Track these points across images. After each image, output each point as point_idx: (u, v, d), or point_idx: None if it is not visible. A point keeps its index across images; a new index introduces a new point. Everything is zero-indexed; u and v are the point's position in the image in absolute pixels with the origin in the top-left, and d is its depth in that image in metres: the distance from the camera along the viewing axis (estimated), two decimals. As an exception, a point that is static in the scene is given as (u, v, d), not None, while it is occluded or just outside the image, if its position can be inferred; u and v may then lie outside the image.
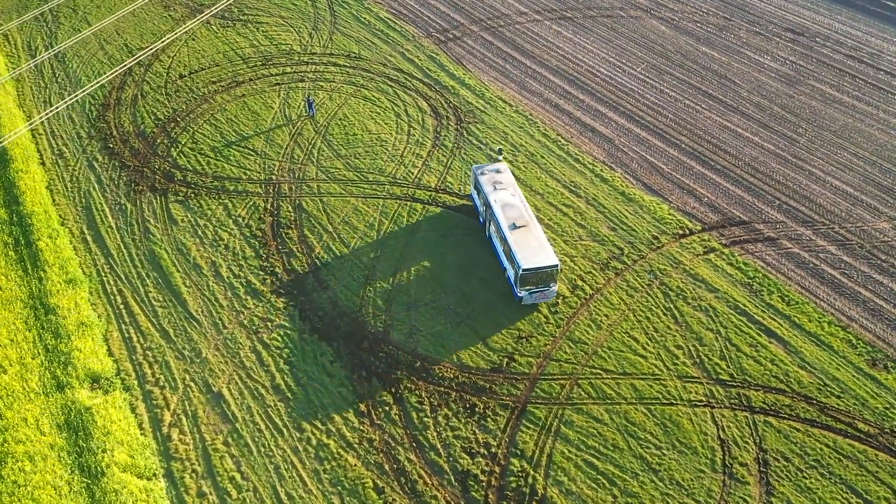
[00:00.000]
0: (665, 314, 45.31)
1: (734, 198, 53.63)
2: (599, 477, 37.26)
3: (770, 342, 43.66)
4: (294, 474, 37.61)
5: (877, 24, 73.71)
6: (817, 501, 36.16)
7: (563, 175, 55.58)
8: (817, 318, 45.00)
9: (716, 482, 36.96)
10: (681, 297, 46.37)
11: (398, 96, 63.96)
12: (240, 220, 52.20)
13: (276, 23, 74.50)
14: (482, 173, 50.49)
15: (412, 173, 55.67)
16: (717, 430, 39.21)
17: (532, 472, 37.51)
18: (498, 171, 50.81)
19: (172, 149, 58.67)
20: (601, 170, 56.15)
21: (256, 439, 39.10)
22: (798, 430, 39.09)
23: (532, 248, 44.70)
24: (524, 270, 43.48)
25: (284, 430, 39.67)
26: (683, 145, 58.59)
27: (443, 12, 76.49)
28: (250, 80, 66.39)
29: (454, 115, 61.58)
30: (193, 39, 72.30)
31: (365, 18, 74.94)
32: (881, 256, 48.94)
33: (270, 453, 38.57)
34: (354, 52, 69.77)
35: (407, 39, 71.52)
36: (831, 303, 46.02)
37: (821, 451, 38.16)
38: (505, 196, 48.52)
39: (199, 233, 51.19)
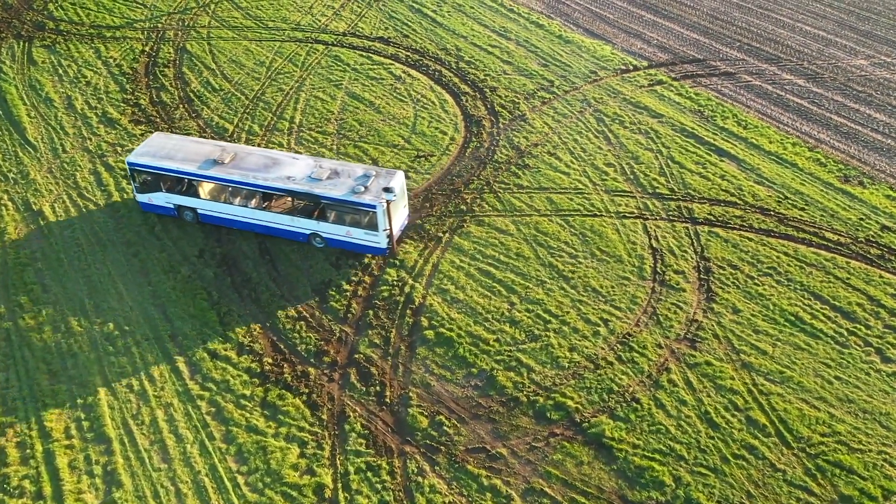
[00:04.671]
0: (597, 137, 37.55)
1: (688, 40, 46.06)
2: (495, 285, 29.26)
3: (721, 160, 35.87)
4: (111, 287, 29.70)
5: None
6: (771, 307, 28.06)
7: (493, 22, 48.05)
8: (779, 139, 37.25)
9: (643, 289, 28.94)
10: (617, 121, 38.62)
11: (317, -39, 56.52)
12: (110, 61, 44.59)
13: None
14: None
15: (319, 21, 48.11)
16: (649, 239, 31.23)
17: (411, 282, 29.45)
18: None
19: (51, 4, 51.12)
20: (537, 18, 48.63)
21: (72, 254, 31.14)
22: (750, 239, 31.16)
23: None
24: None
25: (109, 245, 31.73)
26: (634, -2, 51.13)
27: None
28: (155, -51, 58.92)
29: (377, -25, 54.06)
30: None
31: None
32: (857, 88, 41.27)
33: (86, 267, 30.57)
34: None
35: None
36: (797, 127, 38.32)
37: (777, 259, 30.20)
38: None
39: (60, 72, 43.52)
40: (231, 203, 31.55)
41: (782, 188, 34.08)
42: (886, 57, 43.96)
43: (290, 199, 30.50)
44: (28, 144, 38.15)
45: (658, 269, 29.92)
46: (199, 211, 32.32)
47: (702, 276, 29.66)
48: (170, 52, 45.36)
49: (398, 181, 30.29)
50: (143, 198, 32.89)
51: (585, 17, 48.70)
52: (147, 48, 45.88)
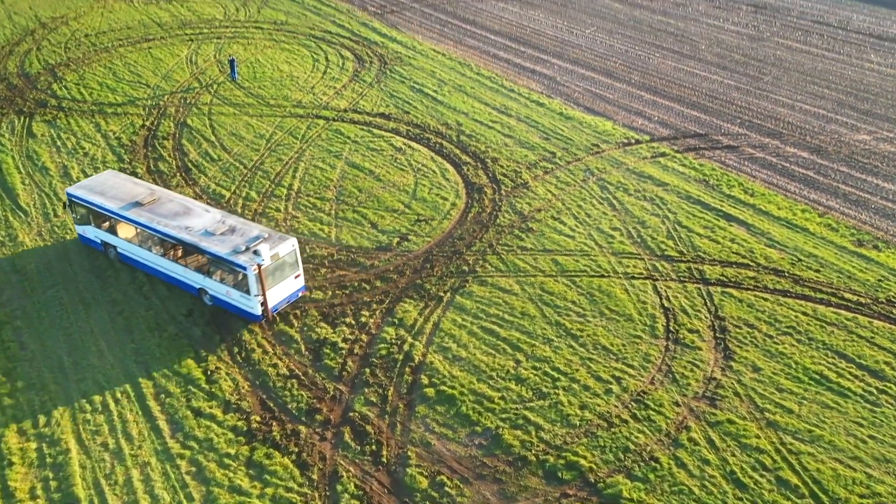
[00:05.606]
0: (601, 203, 36.77)
1: (689, 117, 46.11)
2: (500, 343, 27.66)
3: (730, 225, 34.90)
4: (92, 345, 28.09)
5: (843, 1, 68.69)
6: (793, 366, 26.37)
7: (494, 100, 48.28)
8: (788, 206, 36.45)
9: (656, 348, 27.32)
10: (621, 189, 37.96)
11: (320, 48, 57.64)
12: (110, 134, 44.42)
13: (204, 1, 69.35)
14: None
15: (321, 100, 48.34)
16: (660, 299, 29.84)
17: (411, 340, 27.86)
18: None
19: (55, 84, 51.56)
20: (537, 97, 48.90)
21: (53, 312, 29.72)
22: (766, 299, 29.77)
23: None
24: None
25: (93, 304, 30.34)
26: (633, 81, 51.63)
27: (383, -6, 71.67)
28: (161, 38, 60.23)
29: (378, 60, 54.94)
30: (110, 12, 66.80)
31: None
32: (861, 160, 40.88)
33: (67, 326, 29.05)
34: (281, 20, 64.10)
35: (340, 12, 66.10)
36: (805, 195, 37.60)
37: (796, 318, 28.73)
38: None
39: (58, 144, 43.24)
40: (141, 246, 31.10)
41: (795, 251, 32.96)
42: (889, 133, 43.82)
43: (184, 249, 29.70)
44: (19, 209, 37.28)
45: (671, 328, 28.37)
46: (118, 249, 32.35)
47: (717, 334, 28.08)
48: (170, 126, 45.20)
49: (285, 248, 28.71)
50: (79, 229, 33.57)
51: (585, 97, 48.91)
52: (147, 123, 45.75)
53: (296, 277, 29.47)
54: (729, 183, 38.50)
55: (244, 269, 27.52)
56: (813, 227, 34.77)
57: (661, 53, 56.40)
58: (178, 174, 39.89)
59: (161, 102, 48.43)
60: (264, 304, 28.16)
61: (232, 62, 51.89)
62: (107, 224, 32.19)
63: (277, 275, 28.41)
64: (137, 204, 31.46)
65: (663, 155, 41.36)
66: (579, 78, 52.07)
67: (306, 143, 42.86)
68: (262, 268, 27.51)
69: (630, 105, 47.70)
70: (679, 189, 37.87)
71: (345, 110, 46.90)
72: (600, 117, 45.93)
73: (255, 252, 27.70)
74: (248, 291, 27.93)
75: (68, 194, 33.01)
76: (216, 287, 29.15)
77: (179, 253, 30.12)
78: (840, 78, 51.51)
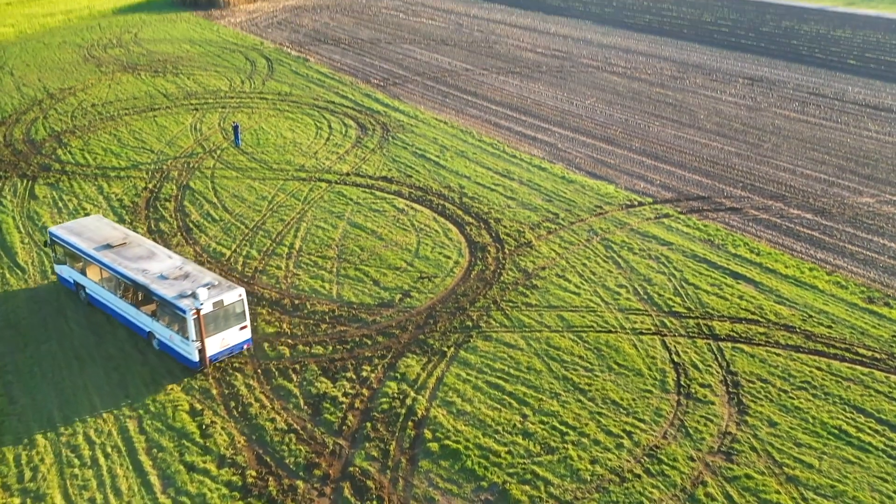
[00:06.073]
0: (606, 261, 36.38)
1: (691, 181, 46.23)
2: (506, 398, 26.80)
3: (738, 282, 34.41)
4: (84, 399, 27.27)
5: (836, 74, 70.03)
6: (810, 420, 25.49)
7: (496, 165, 48.52)
8: (795, 265, 36.06)
9: (667, 402, 26.44)
10: (626, 248, 37.64)
11: (323, 117, 58.38)
12: (112, 196, 44.43)
13: (209, 74, 70.74)
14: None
15: (324, 164, 48.58)
16: (670, 354, 29.10)
17: (413, 394, 27.00)
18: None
19: (60, 150, 51.95)
20: (539, 162, 49.17)
21: (46, 367, 28.94)
22: (778, 354, 29.06)
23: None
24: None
25: (87, 359, 29.60)
26: (634, 147, 52.04)
27: (386, 68, 73.14)
28: (167, 107, 61.08)
29: (381, 128, 55.54)
30: (118, 84, 67.99)
31: (304, 72, 71.32)
32: (867, 221, 40.75)
33: (60, 381, 28.25)
34: (286, 92, 65.19)
35: (344, 84, 67.28)
36: (811, 254, 37.27)
37: (810, 373, 27.94)
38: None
39: (60, 205, 43.19)
40: (105, 287, 31.50)
41: (805, 308, 32.36)
42: (892, 196, 43.82)
43: (138, 291, 29.68)
44: (17, 267, 36.85)
45: (682, 383, 27.51)
46: (86, 290, 32.69)
47: (730, 389, 27.22)
48: (172, 189, 45.22)
49: (231, 297, 28.38)
50: (57, 268, 34.32)
51: (587, 162, 49.14)
52: (150, 185, 45.80)
53: (241, 328, 29.01)
54: (734, 242, 38.18)
55: (184, 312, 27.32)
56: (822, 285, 34.25)
57: (661, 122, 57.02)
58: (179, 234, 39.60)
59: (164, 167, 48.61)
60: (202, 350, 27.75)
61: (236, 128, 52.37)
62: (80, 265, 32.64)
63: (220, 323, 28.05)
64: (107, 246, 32.01)
65: (667, 216, 41.19)
66: (580, 145, 52.45)
67: (308, 205, 42.75)
68: (202, 313, 27.21)
69: (632, 169, 47.85)
70: (684, 248, 37.51)
71: (347, 174, 47.02)
72: (602, 181, 45.99)
73: (194, 296, 27.47)
74: (186, 336, 27.62)
75: (49, 233, 33.89)
76: (162, 331, 29.07)
77: (139, 296, 30.11)
78: (839, 145, 51.89)
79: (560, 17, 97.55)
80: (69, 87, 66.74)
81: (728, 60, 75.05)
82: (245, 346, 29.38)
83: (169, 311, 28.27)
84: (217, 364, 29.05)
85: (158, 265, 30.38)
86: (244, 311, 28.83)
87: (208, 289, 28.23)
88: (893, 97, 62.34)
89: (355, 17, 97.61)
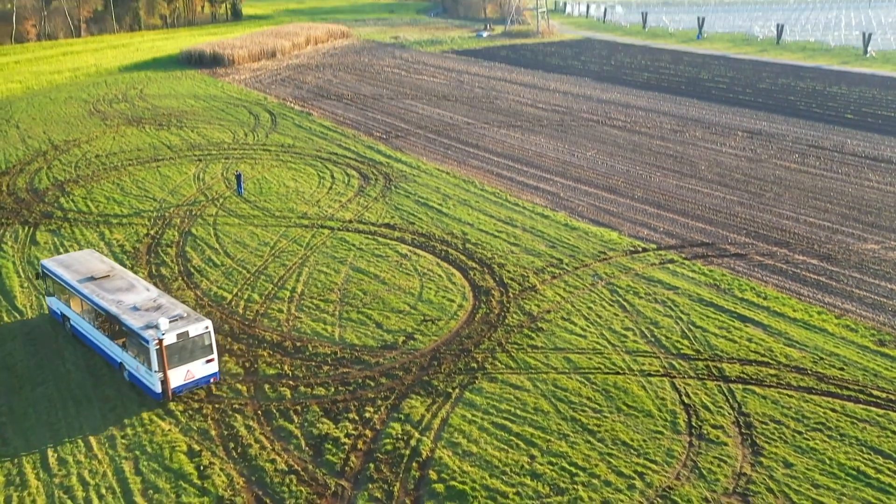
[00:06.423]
0: (611, 305, 36.01)
1: (695, 228, 46.13)
2: (513, 438, 26.12)
3: (746, 325, 33.97)
4: (80, 440, 26.56)
5: (834, 128, 70.72)
6: (827, 461, 24.78)
7: (498, 213, 48.50)
8: (803, 308, 35.67)
9: (679, 443, 25.75)
10: (631, 292, 37.29)
11: (326, 167, 58.71)
12: (113, 242, 44.25)
13: (213, 127, 71.43)
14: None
15: (326, 212, 48.57)
16: (680, 396, 28.49)
17: (418, 435, 26.32)
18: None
19: (62, 198, 52.04)
20: (542, 210, 49.18)
21: (41, 408, 28.30)
22: (791, 396, 28.43)
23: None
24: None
25: (84, 401, 28.98)
26: (637, 196, 52.15)
27: (388, 122, 73.93)
28: (170, 158, 61.46)
29: (383, 178, 55.78)
30: (122, 136, 68.57)
31: (307, 125, 72.06)
32: (873, 266, 40.47)
33: (55, 422, 27.60)
34: (289, 144, 65.71)
35: (347, 137, 67.89)
36: (819, 299, 36.91)
37: (824, 415, 27.34)
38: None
39: (61, 251, 42.91)
40: (85, 318, 31.72)
41: (816, 350, 31.83)
42: (896, 242, 43.63)
43: (112, 322, 29.65)
44: (15, 310, 36.45)
45: (693, 424, 26.83)
46: (70, 321, 33.08)
47: (743, 430, 26.52)
48: (174, 235, 45.08)
49: (197, 329, 28.35)
50: (48, 300, 34.96)
51: (590, 210, 49.13)
52: (152, 232, 45.66)
53: (207, 361, 28.78)
54: (740, 287, 37.83)
55: (147, 342, 27.30)
56: (831, 328, 33.77)
57: (662, 173, 57.26)
58: (180, 278, 39.27)
59: (166, 214, 48.57)
60: (164, 381, 27.52)
61: (238, 177, 52.53)
62: (66, 296, 33.00)
63: (184, 354, 27.93)
64: (90, 278, 32.32)
65: (671, 262, 40.93)
66: (582, 194, 52.55)
67: (311, 250, 42.53)
68: (164, 343, 27.13)
69: (635, 217, 47.80)
70: (690, 292, 37.15)
71: (350, 221, 46.93)
72: (606, 228, 45.88)
73: (156, 326, 27.50)
74: (150, 367, 27.51)
75: (41, 265, 34.60)
76: (130, 361, 29.05)
77: (114, 328, 29.97)
78: (841, 194, 51.97)
79: (559, 74, 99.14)
80: (74, 140, 67.26)
81: (726, 115, 75.90)
82: (212, 380, 29.16)
83: (136, 342, 28.35)
84: (216, 406, 28.37)
85: (133, 297, 30.62)
86: (211, 344, 28.78)
87: (171, 320, 28.24)
88: (892, 149, 62.77)
89: (358, 75, 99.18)
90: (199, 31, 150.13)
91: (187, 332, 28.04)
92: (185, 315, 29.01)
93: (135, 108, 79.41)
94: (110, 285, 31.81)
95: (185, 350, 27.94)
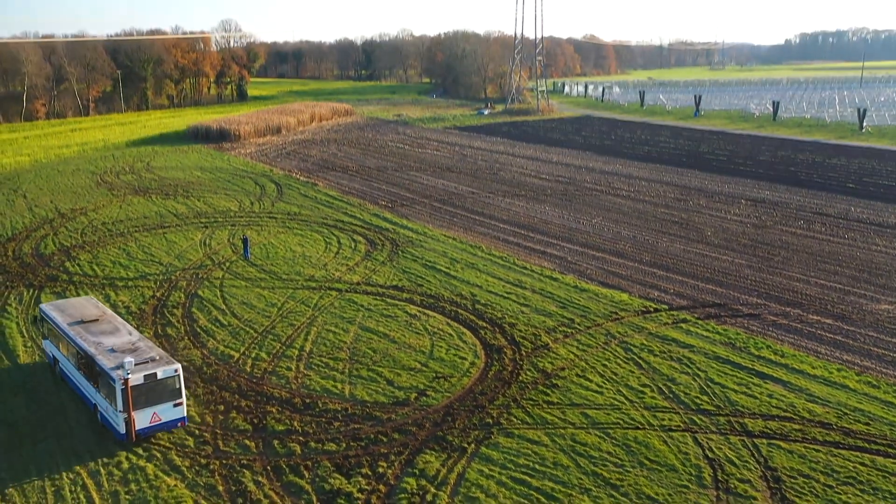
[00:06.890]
0: (626, 363, 35.37)
1: (705, 290, 45.81)
2: (532, 493, 25.16)
3: (765, 382, 33.27)
4: (83, 499, 25.53)
5: (837, 196, 71.23)
6: (862, 515, 23.76)
7: (507, 276, 48.25)
8: (822, 365, 35.03)
9: (706, 497, 24.79)
10: (646, 350, 36.69)
11: (332, 234, 58.78)
12: (119, 303, 43.78)
13: (219, 196, 71.89)
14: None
15: (333, 275, 48.32)
16: (703, 450, 27.62)
17: (434, 490, 25.35)
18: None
19: (68, 262, 51.84)
20: (550, 273, 48.94)
21: (42, 465, 27.34)
22: (818, 451, 27.56)
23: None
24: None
25: (86, 455, 28.03)
26: (645, 260, 52.01)
27: (393, 192, 74.49)
28: (177, 225, 61.59)
29: (390, 243, 55.76)
30: (129, 205, 68.92)
31: (312, 195, 72.58)
32: (889, 325, 39.98)
33: (57, 479, 26.62)
34: (294, 211, 66.01)
35: (352, 206, 68.27)
36: (837, 356, 36.30)
37: (854, 469, 26.44)
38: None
39: (66, 312, 42.31)
40: (70, 361, 31.79)
41: (839, 406, 31.05)
42: (910, 302, 43.20)
43: (89, 363, 29.49)
44: (18, 368, 35.73)
45: (719, 478, 25.85)
46: (59, 364, 33.22)
47: (772, 484, 25.54)
48: (180, 297, 44.65)
49: (165, 371, 28.23)
50: (44, 343, 35.25)
51: (599, 273, 48.89)
52: (158, 294, 45.24)
53: (175, 405, 28.46)
54: (756, 345, 37.22)
55: (114, 381, 27.21)
56: (853, 385, 33.05)
57: (669, 238, 57.28)
58: (186, 338, 38.66)
59: (173, 277, 48.25)
60: (129, 422, 27.22)
61: (245, 241, 52.44)
62: (56, 340, 33.31)
63: (151, 396, 27.69)
64: (79, 322, 32.54)
65: (684, 321, 40.42)
66: (590, 258, 52.40)
67: (319, 311, 42.04)
68: (130, 384, 26.93)
69: (644, 279, 47.50)
70: (706, 350, 36.52)
71: (357, 283, 46.56)
72: (615, 290, 45.52)
73: (121, 365, 27.29)
74: (115, 406, 27.33)
75: (39, 308, 35.15)
76: (101, 402, 28.85)
77: (93, 369, 29.61)
78: (850, 258, 51.84)
79: (561, 148, 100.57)
80: (80, 208, 67.52)
81: (729, 185, 76.56)
82: (179, 424, 28.83)
83: (105, 382, 28.24)
84: (223, 461, 27.40)
85: (114, 340, 30.71)
86: (180, 388, 28.56)
87: (139, 361, 28.15)
88: (897, 216, 62.99)
89: (362, 149, 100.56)
90: (206, 109, 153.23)
91: (155, 373, 27.91)
92: (157, 358, 28.90)
93: (142, 179, 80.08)
94: (96, 328, 32.03)
95: (153, 392, 27.83)
